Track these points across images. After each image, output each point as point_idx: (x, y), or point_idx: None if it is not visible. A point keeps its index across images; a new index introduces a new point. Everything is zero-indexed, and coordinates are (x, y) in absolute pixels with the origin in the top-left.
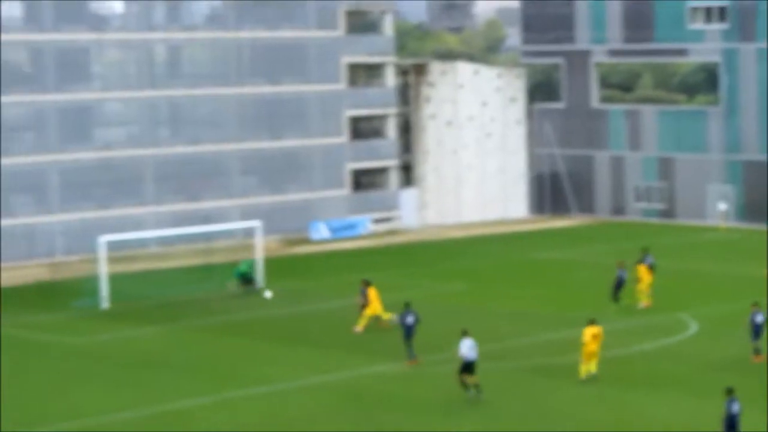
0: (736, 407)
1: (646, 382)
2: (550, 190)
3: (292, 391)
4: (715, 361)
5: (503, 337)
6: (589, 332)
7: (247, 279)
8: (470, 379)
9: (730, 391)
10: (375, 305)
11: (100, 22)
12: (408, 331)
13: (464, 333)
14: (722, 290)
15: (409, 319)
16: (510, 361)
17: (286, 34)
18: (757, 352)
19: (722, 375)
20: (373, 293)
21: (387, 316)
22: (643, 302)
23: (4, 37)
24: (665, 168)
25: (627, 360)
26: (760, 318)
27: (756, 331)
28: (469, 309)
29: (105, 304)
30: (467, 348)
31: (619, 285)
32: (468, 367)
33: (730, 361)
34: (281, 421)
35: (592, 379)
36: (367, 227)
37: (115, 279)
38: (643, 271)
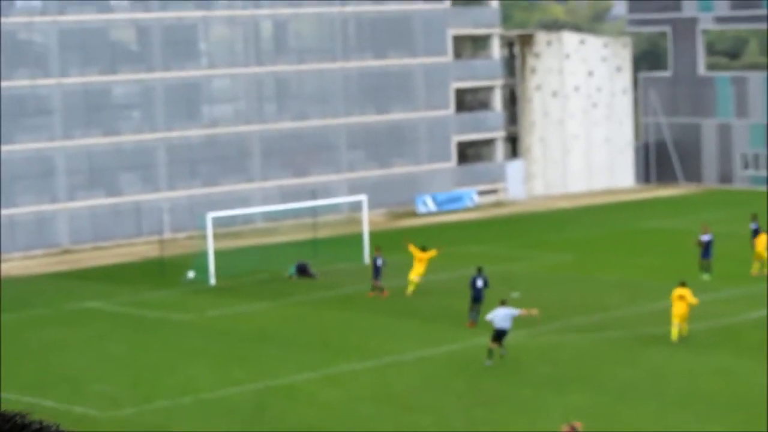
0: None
1: (754, 349)
2: (656, 159)
3: (400, 364)
4: None
5: (611, 306)
6: (676, 293)
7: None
8: (497, 348)
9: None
10: (418, 268)
11: (206, 0)
12: (477, 294)
13: (502, 302)
14: None
15: (479, 283)
16: (619, 330)
17: (392, 7)
18: None
19: None
20: (422, 256)
21: (412, 286)
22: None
23: (112, 16)
24: None
25: (736, 328)
26: None
27: None
28: (576, 279)
29: (212, 280)
30: (500, 317)
31: (706, 252)
32: (498, 336)
33: None
34: (389, 394)
35: (683, 340)
36: (473, 199)
37: (222, 255)
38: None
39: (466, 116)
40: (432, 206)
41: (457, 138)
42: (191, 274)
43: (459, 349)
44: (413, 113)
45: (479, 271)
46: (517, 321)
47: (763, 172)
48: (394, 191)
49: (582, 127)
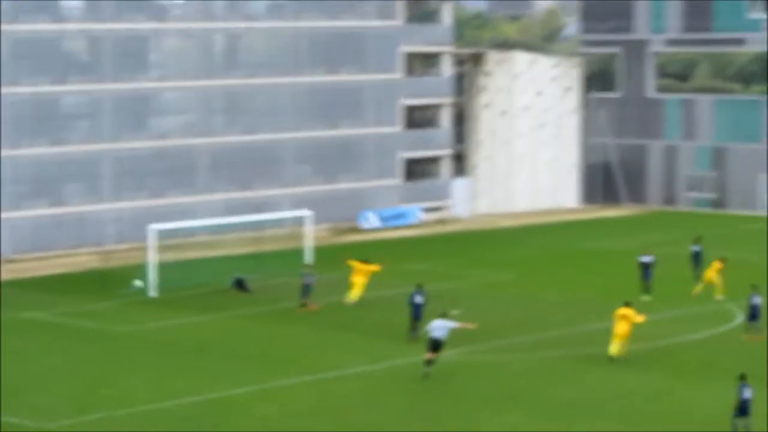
0: (747, 393)
1: (695, 372)
2: (602, 180)
3: (340, 379)
4: (762, 350)
5: (552, 326)
6: (619, 313)
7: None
8: (430, 356)
9: (742, 377)
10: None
11: (159, 12)
12: (416, 312)
13: (441, 315)
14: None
15: (418, 299)
16: (559, 349)
17: (345, 23)
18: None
19: (762, 365)
20: (363, 268)
21: (352, 298)
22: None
23: (65, 26)
24: (718, 158)
25: (676, 349)
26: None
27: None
28: (517, 298)
29: (154, 292)
30: (437, 327)
31: (647, 273)
32: (434, 346)
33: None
34: (328, 409)
35: (621, 361)
36: (417, 216)
37: (164, 267)
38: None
39: (414, 133)
40: (377, 222)
41: (404, 154)
42: (138, 283)
43: (399, 365)
44: (362, 129)
45: (418, 287)
46: (458, 338)
47: (707, 195)
48: (339, 206)
49: (529, 146)
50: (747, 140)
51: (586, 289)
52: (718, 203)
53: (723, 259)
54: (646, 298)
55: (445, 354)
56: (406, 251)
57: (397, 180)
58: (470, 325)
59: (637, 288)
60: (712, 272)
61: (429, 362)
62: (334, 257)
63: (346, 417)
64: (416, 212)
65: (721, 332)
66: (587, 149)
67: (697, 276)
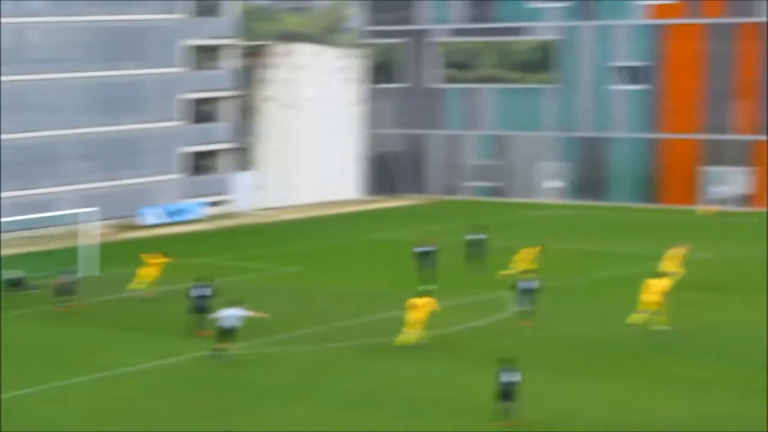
0: (510, 377)
1: (478, 358)
2: (385, 171)
3: (122, 377)
4: (538, 337)
5: (338, 317)
6: (411, 303)
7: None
8: (220, 345)
9: (505, 361)
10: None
11: None
12: (199, 304)
13: (230, 303)
14: (552, 267)
15: (201, 292)
16: (345, 340)
17: (125, 17)
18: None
19: (544, 350)
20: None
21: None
22: None
23: None
24: (500, 146)
25: (459, 336)
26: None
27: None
28: (303, 290)
29: None
30: (226, 316)
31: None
32: (224, 333)
33: (552, 337)
34: (105, 408)
35: (407, 349)
36: (201, 211)
37: None
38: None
39: (197, 127)
40: (160, 218)
41: (187, 149)
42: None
43: (181, 361)
44: (144, 124)
45: (198, 280)
46: (244, 331)
47: (489, 183)
48: (123, 203)
49: (313, 138)
50: (528, 129)
51: (370, 280)
52: (499, 191)
53: (538, 246)
54: (430, 287)
55: (232, 347)
56: (190, 246)
57: (180, 175)
58: (262, 315)
59: (421, 277)
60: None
61: (217, 350)
62: (118, 254)
63: (128, 415)
64: (199, 207)
65: (501, 319)
66: (371, 140)
67: (480, 264)
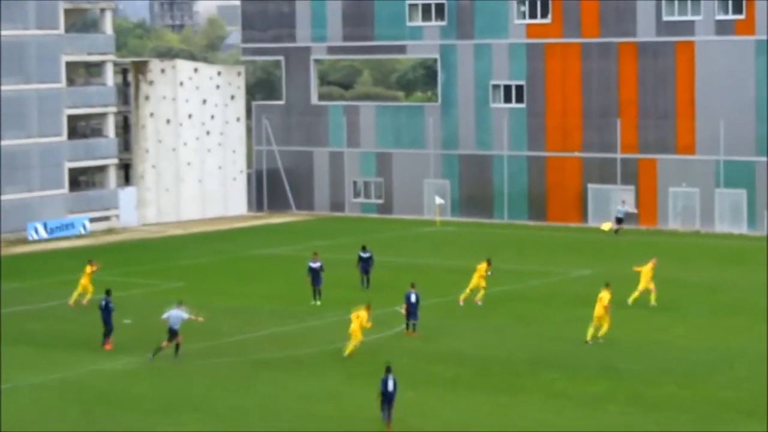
0: (390, 384)
1: (366, 373)
2: (269, 187)
3: (10, 392)
4: (429, 352)
5: (224, 333)
6: (354, 314)
7: None
8: (166, 344)
9: (387, 369)
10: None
11: None
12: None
13: (178, 303)
14: (437, 283)
15: (107, 306)
16: (231, 356)
17: (6, 32)
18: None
19: (435, 366)
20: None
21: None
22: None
23: None
24: (383, 163)
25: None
26: (413, 297)
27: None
28: (189, 306)
29: None
30: (174, 318)
31: (314, 280)
32: (172, 334)
33: (443, 352)
34: None
35: (302, 363)
36: (84, 226)
37: None
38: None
39: (79, 143)
40: (44, 233)
41: (69, 165)
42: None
43: (73, 375)
44: (26, 140)
45: (107, 293)
46: (135, 346)
47: (374, 201)
48: (6, 218)
49: (195, 154)
50: (411, 146)
51: (256, 296)
52: (384, 209)
53: (488, 261)
54: (316, 302)
55: (119, 363)
56: (76, 261)
57: (63, 190)
58: (199, 318)
59: (307, 293)
60: (478, 276)
61: (161, 349)
62: (2, 269)
63: (10, 430)
64: (83, 222)
65: (391, 334)
66: (254, 157)
67: (365, 280)
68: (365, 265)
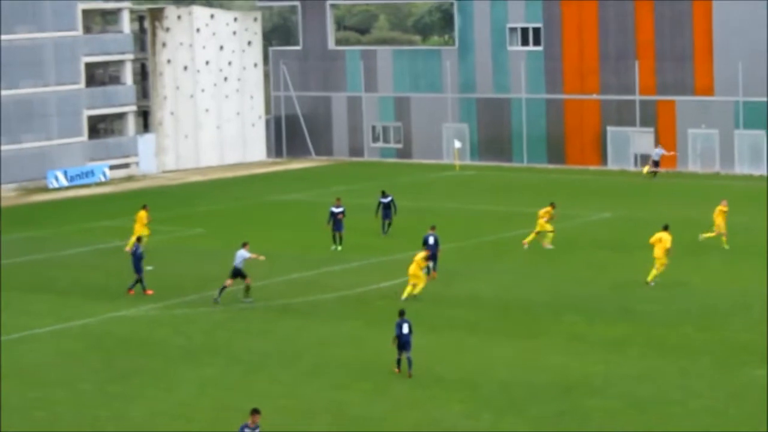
0: (404, 328)
1: (385, 319)
2: (288, 133)
3: (32, 339)
4: (448, 296)
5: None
6: (418, 256)
7: None
8: (230, 283)
9: (401, 313)
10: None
11: None
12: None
13: (243, 244)
14: (457, 227)
15: (139, 252)
16: (255, 301)
17: None
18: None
19: (454, 311)
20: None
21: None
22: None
23: None
24: (401, 108)
25: (367, 297)
26: (431, 239)
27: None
28: (208, 253)
29: None
30: (238, 258)
31: (336, 225)
32: (235, 273)
33: (462, 296)
34: (20, 369)
35: (322, 309)
36: (104, 174)
37: None
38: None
39: (97, 90)
40: (64, 181)
41: (88, 112)
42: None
43: (94, 323)
44: (43, 88)
45: (139, 240)
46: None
47: (393, 145)
48: (25, 167)
49: (213, 100)
50: (428, 90)
51: (276, 242)
52: (403, 153)
53: (552, 205)
54: (336, 248)
55: (139, 311)
56: (95, 209)
57: (82, 138)
58: (260, 257)
59: (327, 238)
60: (542, 219)
61: (225, 288)
62: (22, 218)
63: (42, 376)
64: (103, 170)
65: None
66: (272, 102)
67: (386, 225)
68: (386, 210)
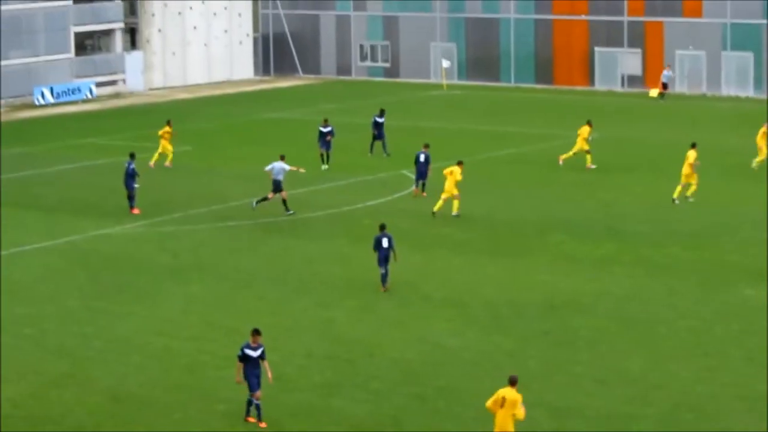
0: (384, 242)
1: (372, 236)
2: (275, 51)
3: (19, 255)
4: (437, 215)
5: (231, 197)
6: (447, 171)
7: None
8: (272, 196)
9: (382, 227)
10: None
11: None
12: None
13: (281, 157)
14: (444, 146)
15: (130, 169)
16: (238, 220)
17: None
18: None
19: (442, 229)
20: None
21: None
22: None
23: None
24: (389, 27)
25: (354, 215)
26: (422, 157)
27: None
28: (196, 170)
29: None
30: (277, 170)
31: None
32: (276, 186)
33: (451, 215)
34: (6, 286)
35: (308, 226)
36: (91, 91)
37: None
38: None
39: (85, 7)
40: (50, 98)
41: (75, 29)
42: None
43: (81, 239)
44: (31, 4)
45: (131, 156)
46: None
47: (379, 64)
48: (11, 83)
49: (201, 18)
50: (417, 9)
51: (263, 160)
52: (391, 72)
53: (589, 123)
54: (324, 167)
55: (125, 228)
56: (82, 126)
57: (69, 54)
58: (301, 169)
59: (315, 157)
60: (581, 139)
61: (266, 199)
62: (9, 134)
63: (30, 292)
64: (89, 87)
65: (399, 197)
66: (260, 20)
67: (382, 146)
68: (379, 130)
